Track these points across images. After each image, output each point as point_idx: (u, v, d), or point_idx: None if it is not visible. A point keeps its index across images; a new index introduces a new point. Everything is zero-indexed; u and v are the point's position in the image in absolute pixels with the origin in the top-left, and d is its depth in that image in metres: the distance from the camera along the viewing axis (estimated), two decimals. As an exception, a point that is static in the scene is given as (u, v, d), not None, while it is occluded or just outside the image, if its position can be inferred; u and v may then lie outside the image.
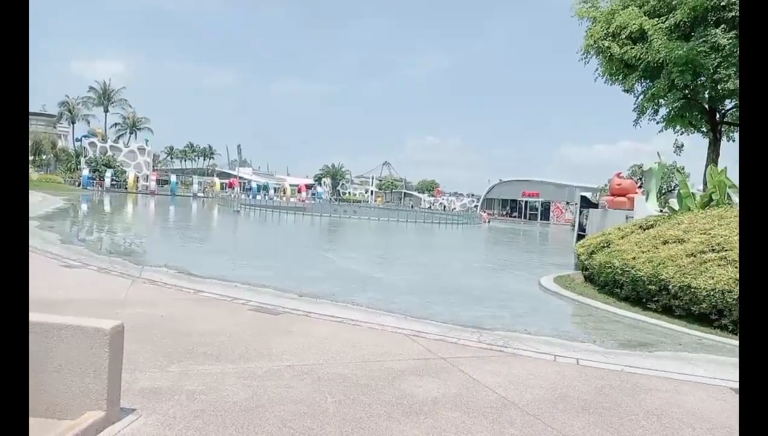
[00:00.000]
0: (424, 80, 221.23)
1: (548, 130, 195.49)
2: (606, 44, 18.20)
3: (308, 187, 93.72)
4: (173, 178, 71.76)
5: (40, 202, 32.34)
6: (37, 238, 14.09)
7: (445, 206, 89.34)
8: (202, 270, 10.70)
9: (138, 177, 65.67)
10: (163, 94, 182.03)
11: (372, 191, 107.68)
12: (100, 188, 59.58)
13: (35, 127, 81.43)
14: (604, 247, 11.16)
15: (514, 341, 6.29)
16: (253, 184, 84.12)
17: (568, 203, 63.80)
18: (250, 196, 68.00)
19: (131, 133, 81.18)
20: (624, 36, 17.76)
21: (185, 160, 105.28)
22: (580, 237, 17.39)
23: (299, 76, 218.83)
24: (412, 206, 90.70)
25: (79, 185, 59.47)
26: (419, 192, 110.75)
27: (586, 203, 20.12)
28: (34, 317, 3.36)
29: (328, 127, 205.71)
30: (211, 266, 12.09)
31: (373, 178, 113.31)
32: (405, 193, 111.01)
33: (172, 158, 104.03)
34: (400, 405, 4.09)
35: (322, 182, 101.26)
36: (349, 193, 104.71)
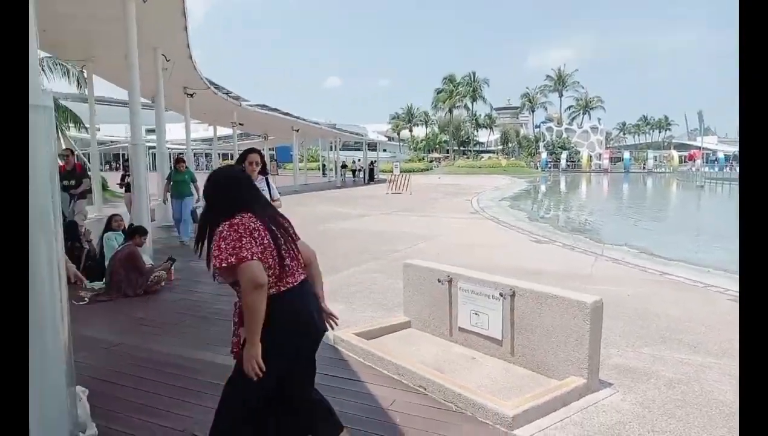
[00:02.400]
0: None
1: None
2: None
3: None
4: (626, 154, 69.97)
5: (508, 184, 37.45)
6: (510, 215, 16.35)
7: None
8: (664, 251, 10.04)
9: (591, 156, 67.17)
10: (613, 69, 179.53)
11: None
12: (555, 169, 64.12)
13: (502, 120, 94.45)
14: None
15: None
16: (720, 155, 72.86)
17: None
18: (716, 169, 59.26)
19: (584, 114, 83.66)
20: None
21: (638, 135, 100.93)
22: None
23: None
24: None
25: (537, 168, 65.65)
26: None
27: None
28: (527, 284, 3.89)
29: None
30: (674, 246, 11.17)
31: None
32: None
33: (624, 134, 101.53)
34: None
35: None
36: None
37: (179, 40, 10.55)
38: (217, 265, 2.17)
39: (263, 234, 2.25)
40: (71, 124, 23.84)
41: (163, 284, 6.38)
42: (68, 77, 22.98)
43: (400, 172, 32.21)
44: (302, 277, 2.40)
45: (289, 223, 2.47)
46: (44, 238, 2.40)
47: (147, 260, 6.84)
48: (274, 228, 2.32)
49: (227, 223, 2.23)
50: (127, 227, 7.09)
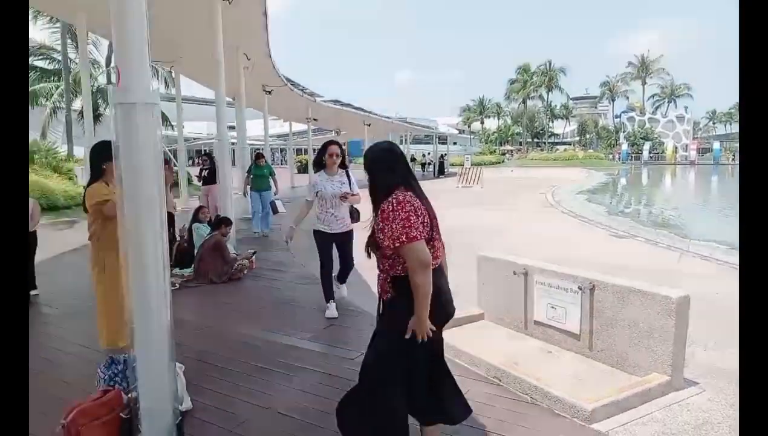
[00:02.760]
0: None
1: None
2: None
3: None
4: (716, 145, 65.06)
5: (585, 177, 36.01)
6: (588, 209, 15.78)
7: None
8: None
9: (676, 147, 63.19)
10: (703, 53, 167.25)
11: None
12: (637, 162, 60.84)
13: (580, 110, 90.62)
14: None
15: None
16: (827, 144, 65.97)
17: None
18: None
19: (669, 102, 78.58)
20: None
21: (731, 124, 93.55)
22: None
23: None
24: None
25: (617, 160, 62.53)
26: None
27: None
28: (608, 278, 3.79)
29: None
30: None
31: None
32: None
33: (714, 124, 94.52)
34: None
35: None
36: None
37: (260, 39, 11.01)
38: (390, 245, 2.21)
39: (424, 213, 2.28)
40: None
41: (245, 272, 6.74)
42: (157, 77, 24.60)
43: (471, 165, 31.82)
44: (440, 260, 2.42)
45: (429, 202, 2.44)
46: (151, 226, 2.64)
47: (230, 249, 7.25)
48: (427, 208, 2.34)
49: (394, 200, 2.26)
50: (212, 219, 7.55)
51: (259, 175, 10.19)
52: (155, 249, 2.65)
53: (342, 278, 5.30)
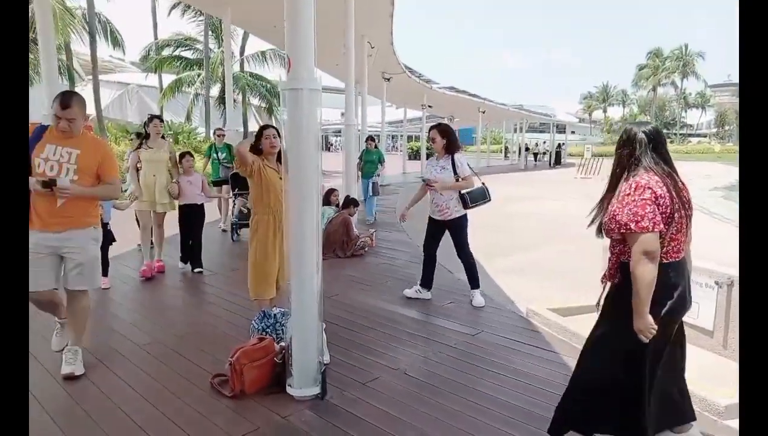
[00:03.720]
0: None
1: None
2: None
3: None
4: None
5: (722, 172, 32.71)
6: (723, 207, 14.52)
7: None
8: None
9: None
10: None
11: None
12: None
13: (719, 99, 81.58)
14: None
15: None
16: None
17: None
18: None
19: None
20: None
21: None
22: None
23: None
24: None
25: (763, 155, 55.79)
26: None
27: None
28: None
29: None
30: None
31: None
32: None
33: None
34: None
35: None
36: None
37: (384, 27, 11.35)
38: (615, 228, 2.15)
39: (667, 202, 2.12)
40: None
41: (366, 249, 7.17)
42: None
43: (592, 156, 30.28)
44: (683, 254, 2.26)
45: (688, 191, 2.26)
46: (309, 201, 3.00)
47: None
48: (675, 196, 2.16)
49: (634, 183, 2.14)
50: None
51: (368, 160, 10.07)
52: (312, 223, 3.02)
53: (471, 280, 4.93)
